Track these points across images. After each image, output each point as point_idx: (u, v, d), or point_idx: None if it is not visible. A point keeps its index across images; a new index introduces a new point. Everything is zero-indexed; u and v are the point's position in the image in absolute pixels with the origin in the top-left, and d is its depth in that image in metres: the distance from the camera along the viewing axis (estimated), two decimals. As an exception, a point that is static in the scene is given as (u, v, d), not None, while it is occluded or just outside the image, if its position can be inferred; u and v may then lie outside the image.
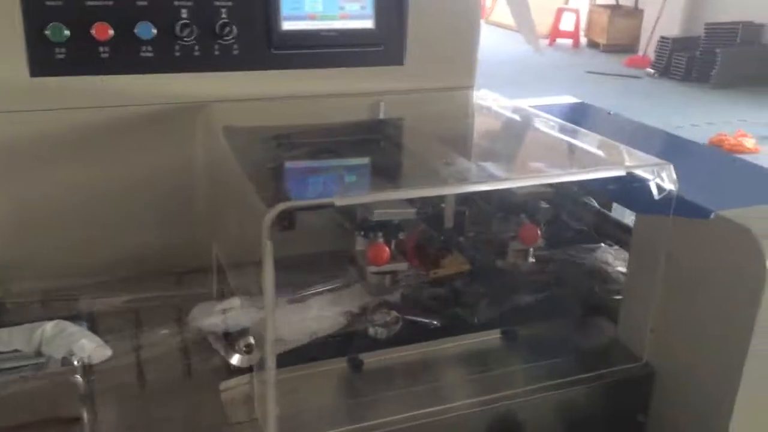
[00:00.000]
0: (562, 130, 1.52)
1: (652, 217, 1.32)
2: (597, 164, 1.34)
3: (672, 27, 10.70)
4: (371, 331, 1.35)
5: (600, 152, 1.39)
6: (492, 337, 1.45)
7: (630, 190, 1.29)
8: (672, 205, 1.26)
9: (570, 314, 1.50)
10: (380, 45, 1.69)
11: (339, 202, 1.05)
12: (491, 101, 1.76)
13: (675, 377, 1.33)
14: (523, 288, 1.48)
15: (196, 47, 1.53)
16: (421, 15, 1.70)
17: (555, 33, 12.86)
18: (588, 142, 1.43)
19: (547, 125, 1.54)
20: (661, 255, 1.30)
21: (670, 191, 1.24)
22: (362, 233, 1.37)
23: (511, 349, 1.44)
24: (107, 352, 1.31)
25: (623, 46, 11.80)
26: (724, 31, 9.76)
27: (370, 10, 1.66)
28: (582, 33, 12.77)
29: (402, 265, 1.38)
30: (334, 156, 1.50)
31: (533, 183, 1.23)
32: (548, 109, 1.87)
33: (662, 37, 10.46)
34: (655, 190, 1.25)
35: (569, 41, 12.83)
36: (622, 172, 1.22)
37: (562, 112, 1.83)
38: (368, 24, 1.67)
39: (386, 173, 1.41)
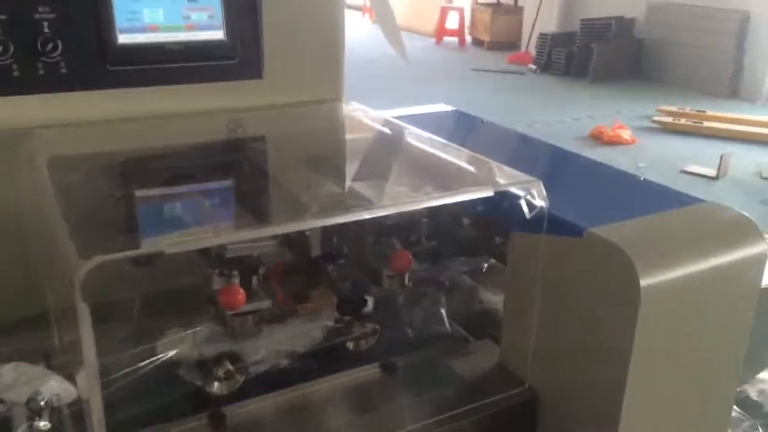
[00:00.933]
0: (433, 145, 1.43)
1: (526, 236, 1.25)
2: (464, 184, 1.26)
3: (550, 23, 11.07)
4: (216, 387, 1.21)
5: (472, 169, 1.31)
6: (370, 372, 1.35)
7: (502, 208, 1.22)
8: (544, 224, 1.19)
9: (453, 340, 1.41)
10: (234, 58, 1.54)
11: (169, 249, 0.90)
12: (360, 114, 1.65)
13: (558, 401, 1.27)
14: (402, 316, 1.39)
15: (14, 67, 1.33)
16: (278, 24, 1.57)
17: (441, 31, 13.03)
18: (458, 158, 1.35)
19: (418, 140, 1.45)
20: (536, 275, 1.24)
21: (541, 209, 1.18)
22: (217, 272, 1.22)
23: (392, 384, 1.33)
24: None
25: (506, 43, 12.12)
26: (599, 26, 10.18)
27: (219, 19, 1.51)
28: (467, 31, 13.00)
29: (264, 303, 1.25)
30: (181, 185, 1.34)
31: (390, 212, 1.12)
32: (421, 118, 1.78)
33: (541, 34, 10.81)
34: (525, 209, 1.18)
35: (455, 39, 13.02)
36: (489, 193, 1.14)
37: (436, 122, 1.75)
38: (218, 35, 1.52)
39: (240, 203, 1.27)
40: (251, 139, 1.58)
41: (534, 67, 10.64)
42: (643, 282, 1.05)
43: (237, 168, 1.41)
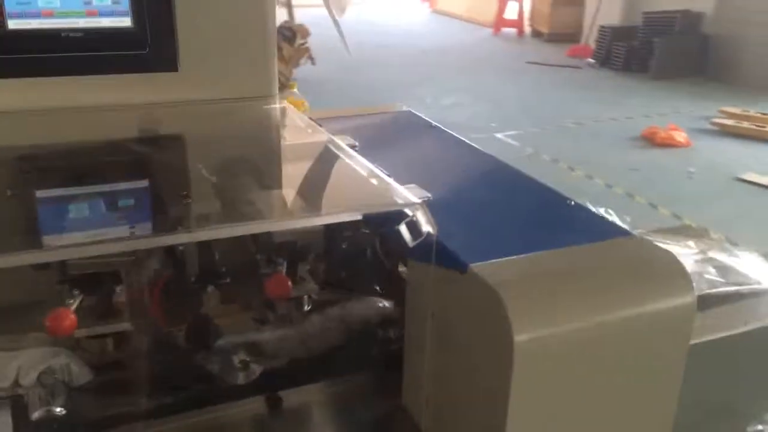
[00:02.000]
0: (339, 156, 1.25)
1: (421, 265, 1.07)
2: (343, 202, 1.08)
3: (612, 16, 10.55)
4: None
5: (368, 185, 1.13)
6: (251, 406, 1.20)
7: (395, 232, 1.04)
8: (433, 253, 1.01)
9: (350, 375, 1.25)
10: (144, 47, 1.40)
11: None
12: (289, 114, 1.50)
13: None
14: (292, 344, 1.23)
15: None
16: (195, 13, 1.43)
17: (499, 22, 12.65)
18: (360, 172, 1.17)
19: (326, 149, 1.28)
20: (428, 311, 1.06)
21: (428, 235, 1.00)
22: (69, 289, 1.09)
23: (272, 424, 1.18)
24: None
25: (567, 35, 11.64)
26: (662, 19, 9.63)
27: (125, 5, 1.38)
28: (526, 22, 12.57)
29: (123, 325, 1.11)
30: (55, 187, 1.20)
31: (240, 232, 0.97)
32: (365, 120, 1.61)
33: (602, 27, 10.31)
34: (407, 234, 1.00)
35: (514, 30, 12.63)
36: (357, 216, 0.97)
37: (377, 125, 1.58)
38: (125, 22, 1.39)
39: (106, 213, 1.13)
40: (153, 138, 1.45)
41: (593, 61, 10.18)
42: (518, 337, 0.86)
43: (121, 171, 1.28)
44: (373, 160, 1.20)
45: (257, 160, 1.38)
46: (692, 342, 0.97)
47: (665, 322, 0.97)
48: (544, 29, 12.05)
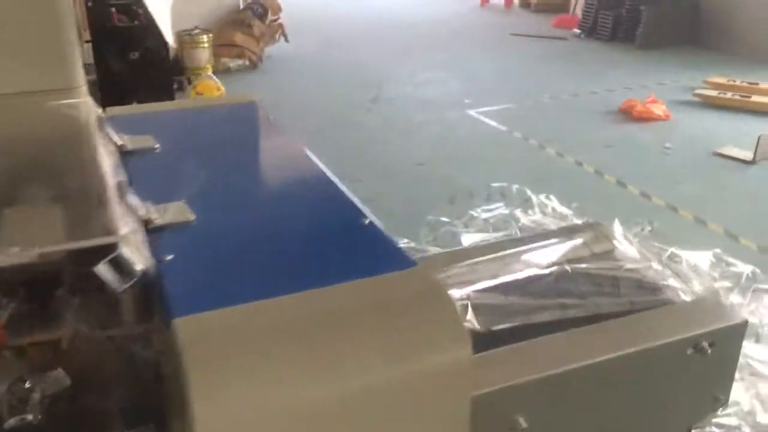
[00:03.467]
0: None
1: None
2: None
3: (600, -16, 10.19)
4: None
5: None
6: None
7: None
8: (146, 298, 0.81)
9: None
10: None
11: None
12: (88, 110, 1.28)
13: None
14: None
15: None
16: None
17: (487, -7, 12.31)
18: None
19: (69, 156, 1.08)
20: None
21: (132, 274, 0.80)
22: None
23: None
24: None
25: (555, 6, 11.30)
26: (650, -13, 9.28)
27: None
28: (515, -8, 12.21)
29: None
30: None
31: None
32: (188, 116, 1.40)
33: (589, -5, 9.98)
34: (107, 275, 0.79)
35: (501, 1, 12.27)
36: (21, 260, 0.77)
37: (200, 122, 1.37)
38: None
39: None
40: None
41: (578, 31, 9.86)
42: (200, 412, 0.66)
43: None
44: (150, 169, 1.00)
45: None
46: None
47: (432, 381, 0.77)
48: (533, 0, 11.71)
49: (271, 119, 1.43)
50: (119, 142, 1.21)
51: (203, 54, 7.55)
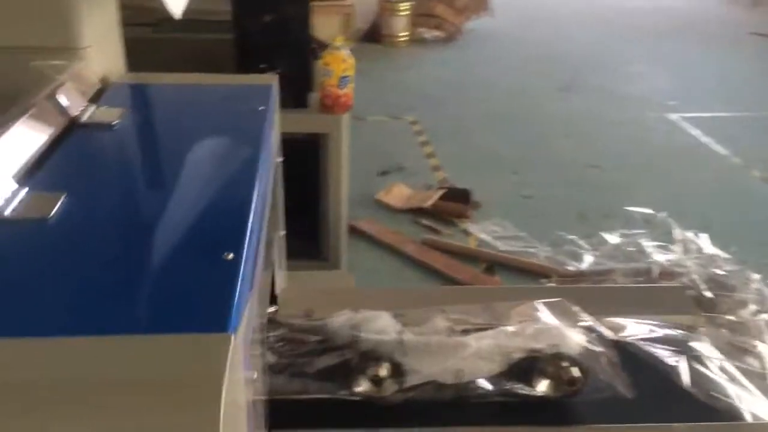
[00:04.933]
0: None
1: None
2: None
3: None
4: None
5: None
6: None
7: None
8: None
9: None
10: None
11: None
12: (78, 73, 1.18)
13: None
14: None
15: None
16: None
17: (734, -17, 10.86)
18: None
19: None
20: None
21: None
22: None
23: None
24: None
25: (817, 5, 9.68)
26: None
27: None
28: (767, -15, 10.63)
29: None
30: None
31: None
32: (187, 93, 1.25)
33: None
34: None
35: (750, -6, 10.77)
36: None
37: (198, 99, 1.21)
38: None
39: None
40: None
41: (839, 38, 8.34)
42: None
43: None
44: (81, 148, 0.86)
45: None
46: None
47: None
48: (787, -6, 10.11)
49: (260, 108, 1.22)
50: (76, 113, 1.09)
51: (400, 22, 7.49)
